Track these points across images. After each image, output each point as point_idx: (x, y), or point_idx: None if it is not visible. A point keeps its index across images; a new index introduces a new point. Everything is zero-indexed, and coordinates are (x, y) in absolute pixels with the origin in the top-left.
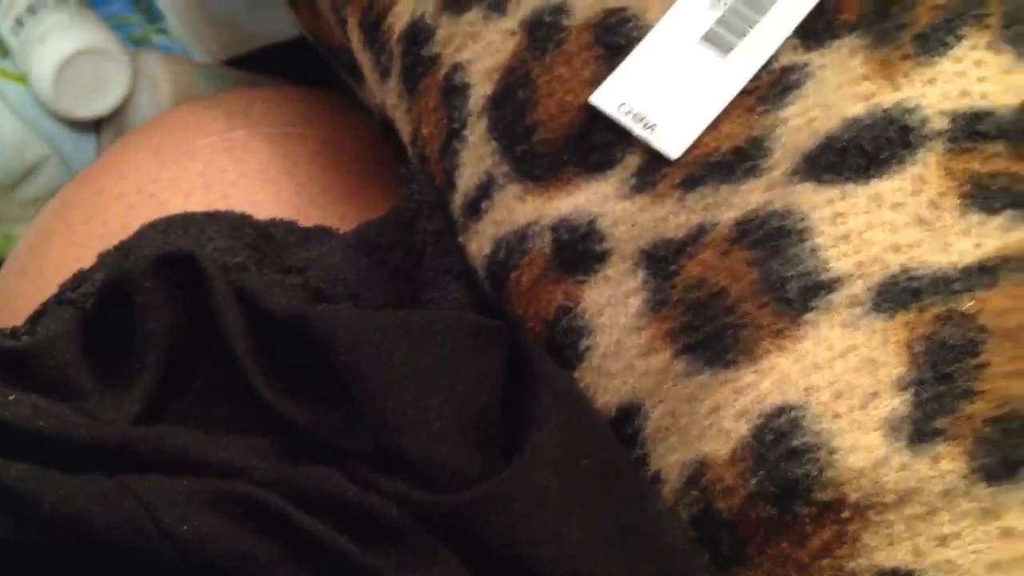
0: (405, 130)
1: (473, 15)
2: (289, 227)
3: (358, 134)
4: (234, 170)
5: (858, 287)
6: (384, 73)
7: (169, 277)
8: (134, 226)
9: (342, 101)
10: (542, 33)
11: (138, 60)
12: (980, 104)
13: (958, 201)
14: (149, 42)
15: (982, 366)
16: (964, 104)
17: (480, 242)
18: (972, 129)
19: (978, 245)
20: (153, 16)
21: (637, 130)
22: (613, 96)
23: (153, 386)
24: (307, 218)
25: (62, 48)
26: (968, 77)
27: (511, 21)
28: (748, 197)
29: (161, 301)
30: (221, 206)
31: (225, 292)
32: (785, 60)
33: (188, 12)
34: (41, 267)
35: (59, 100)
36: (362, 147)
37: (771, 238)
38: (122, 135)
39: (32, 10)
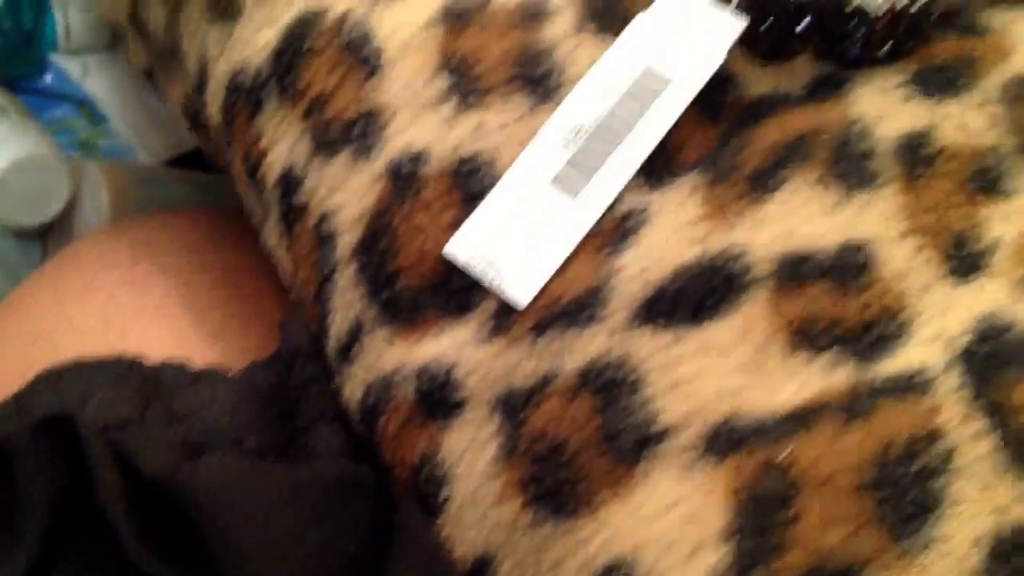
0: (286, 272)
1: (339, 165)
2: (179, 370)
3: (265, 255)
4: (133, 306)
5: (687, 436)
6: (264, 216)
7: (50, 439)
8: (33, 370)
9: None
10: (402, 182)
11: (80, 167)
12: (805, 245)
13: (783, 344)
14: (95, 145)
15: (794, 519)
16: (789, 246)
17: (352, 387)
18: (796, 271)
19: (801, 388)
20: (97, 119)
21: (487, 279)
22: (465, 245)
23: (35, 551)
24: (203, 354)
25: (1, 159)
26: (794, 218)
27: (374, 170)
28: (590, 345)
29: (40, 466)
30: (119, 345)
31: (102, 454)
32: (628, 202)
33: (132, 114)
34: None
35: (1, 210)
36: (268, 269)
37: (608, 388)
38: (69, 242)
39: None
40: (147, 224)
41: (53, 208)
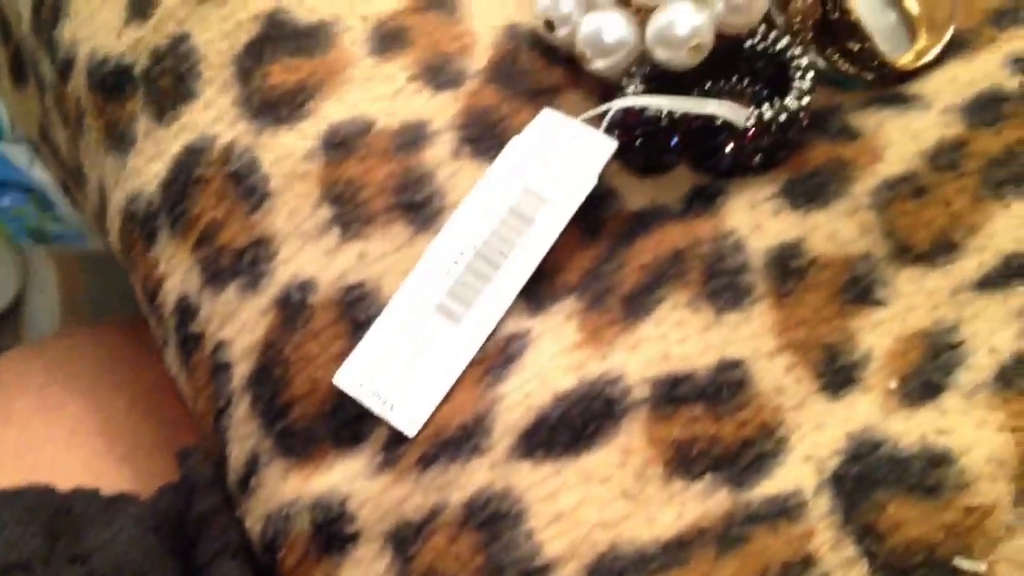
0: (188, 399)
1: (230, 294)
2: (90, 498)
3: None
4: (45, 433)
5: (570, 570)
6: (164, 344)
7: None
8: None
9: None
10: (290, 312)
11: (29, 256)
12: (679, 367)
13: (661, 469)
14: (45, 231)
15: None
16: (664, 369)
17: (253, 519)
18: (671, 395)
19: (679, 515)
20: (46, 206)
21: (377, 408)
22: (354, 375)
23: None
24: (115, 478)
25: None
26: (668, 340)
27: (264, 299)
28: (473, 477)
29: None
30: (32, 474)
31: None
32: (511, 327)
33: None
34: None
35: None
36: None
37: (492, 521)
38: (21, 330)
39: None
40: (62, 344)
41: (2, 298)
